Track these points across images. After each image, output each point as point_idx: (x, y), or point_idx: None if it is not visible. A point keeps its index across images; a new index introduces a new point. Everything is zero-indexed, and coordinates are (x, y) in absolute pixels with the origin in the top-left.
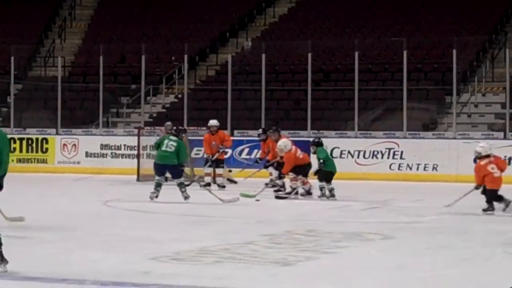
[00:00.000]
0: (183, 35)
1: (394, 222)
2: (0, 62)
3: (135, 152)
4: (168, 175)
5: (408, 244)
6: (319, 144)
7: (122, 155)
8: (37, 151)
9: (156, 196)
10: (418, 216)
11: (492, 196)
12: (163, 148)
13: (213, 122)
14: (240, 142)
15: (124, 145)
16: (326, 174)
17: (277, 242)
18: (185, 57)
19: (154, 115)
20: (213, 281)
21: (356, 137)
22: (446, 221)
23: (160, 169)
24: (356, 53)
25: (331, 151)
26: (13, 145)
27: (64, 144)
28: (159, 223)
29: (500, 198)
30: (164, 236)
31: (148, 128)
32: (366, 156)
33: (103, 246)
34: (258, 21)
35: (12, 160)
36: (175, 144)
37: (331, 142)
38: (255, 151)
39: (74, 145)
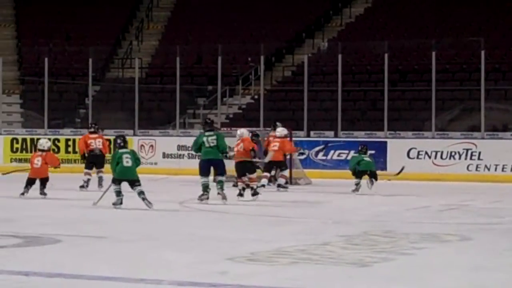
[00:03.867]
0: (259, 36)
1: (472, 223)
2: (78, 64)
3: None
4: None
5: (486, 246)
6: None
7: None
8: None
9: (207, 198)
10: (496, 217)
11: None
12: (206, 145)
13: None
14: (317, 143)
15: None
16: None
17: (354, 243)
18: (262, 58)
19: (231, 116)
20: (289, 282)
21: (433, 137)
22: None
23: (205, 165)
24: (433, 53)
25: (408, 151)
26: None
27: (142, 145)
28: (235, 223)
29: None
30: (240, 236)
31: (225, 129)
32: (444, 157)
33: (179, 246)
34: (334, 22)
35: None
36: (214, 137)
37: (408, 142)
38: (331, 152)
39: (152, 146)
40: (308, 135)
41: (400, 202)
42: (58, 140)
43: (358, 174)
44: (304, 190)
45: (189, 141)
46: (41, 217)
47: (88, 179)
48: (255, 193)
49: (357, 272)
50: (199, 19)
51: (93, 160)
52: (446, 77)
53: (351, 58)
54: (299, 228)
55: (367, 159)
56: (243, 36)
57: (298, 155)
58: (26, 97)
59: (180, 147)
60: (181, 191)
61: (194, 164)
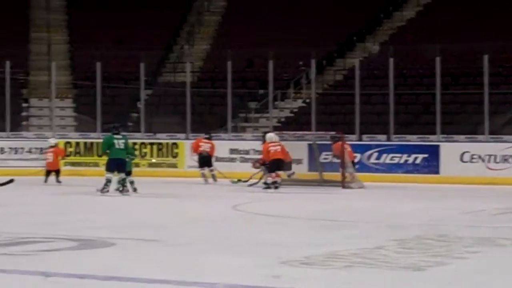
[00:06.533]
0: (310, 39)
1: None
2: (130, 68)
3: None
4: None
5: None
6: None
7: (251, 160)
8: (167, 156)
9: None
10: None
11: None
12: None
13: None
14: (369, 147)
15: (253, 149)
16: None
17: (408, 247)
18: (313, 61)
19: (282, 119)
20: (344, 286)
21: (487, 141)
22: None
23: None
24: (486, 56)
25: (461, 155)
26: (143, 150)
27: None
28: (288, 227)
29: None
30: (294, 240)
31: (277, 132)
32: (497, 160)
33: (232, 249)
34: (385, 25)
35: (143, 165)
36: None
37: (461, 146)
38: (384, 155)
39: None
40: (360, 139)
41: (454, 206)
42: None
43: None
44: (357, 194)
45: (241, 145)
46: (95, 220)
47: (203, 173)
48: (268, 187)
49: (411, 276)
50: (250, 23)
51: (203, 161)
52: (499, 81)
53: (402, 61)
54: (352, 232)
55: None
56: (294, 40)
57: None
58: (79, 101)
59: (232, 151)
60: (233, 195)
61: (247, 167)
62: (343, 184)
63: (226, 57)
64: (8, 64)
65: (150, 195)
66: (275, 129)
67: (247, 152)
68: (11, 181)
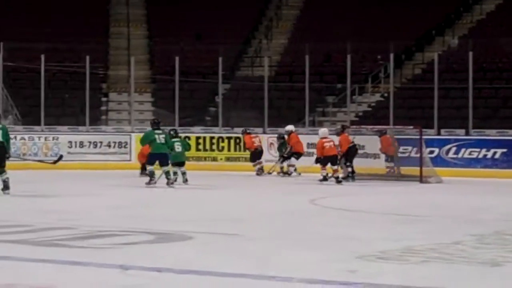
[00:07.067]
0: (388, 33)
1: None
2: (209, 62)
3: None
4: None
5: None
6: None
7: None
8: (244, 150)
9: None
10: None
11: None
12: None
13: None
14: (447, 141)
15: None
16: None
17: (486, 242)
18: (391, 55)
19: (360, 114)
20: (420, 281)
21: None
22: None
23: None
24: None
25: None
26: (221, 144)
27: (271, 143)
28: (364, 221)
29: None
30: (370, 235)
31: (354, 127)
32: None
33: (309, 244)
34: (464, 19)
35: (221, 159)
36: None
37: None
38: (463, 150)
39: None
40: (439, 133)
41: None
42: (189, 138)
43: None
44: (435, 188)
45: (317, 139)
46: (174, 214)
47: (259, 168)
48: (339, 181)
49: (489, 272)
50: (328, 17)
51: (259, 155)
52: None
53: (482, 55)
54: (429, 226)
55: None
56: (372, 34)
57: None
58: (157, 95)
59: (309, 145)
60: (311, 189)
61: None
62: (420, 178)
63: (304, 51)
64: (88, 58)
65: (228, 189)
66: (352, 123)
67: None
68: (61, 157)
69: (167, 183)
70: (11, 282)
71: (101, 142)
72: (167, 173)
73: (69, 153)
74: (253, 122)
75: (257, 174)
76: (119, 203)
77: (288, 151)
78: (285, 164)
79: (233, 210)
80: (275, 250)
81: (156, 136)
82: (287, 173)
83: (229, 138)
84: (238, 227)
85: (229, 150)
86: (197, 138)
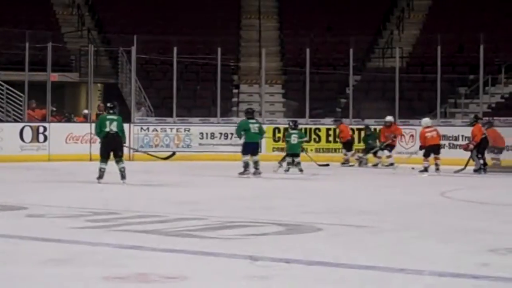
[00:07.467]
0: None
1: None
2: (340, 54)
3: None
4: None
5: None
6: None
7: (459, 146)
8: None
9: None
10: None
11: None
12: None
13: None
14: None
15: (462, 135)
16: None
17: None
18: None
19: (493, 105)
20: None
21: None
22: None
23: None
24: None
25: None
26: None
27: (402, 135)
28: (497, 214)
29: None
30: (503, 228)
31: (486, 118)
32: None
33: (440, 236)
34: None
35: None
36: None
37: None
38: None
39: (412, 135)
40: None
41: None
42: (319, 130)
43: None
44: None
45: (449, 131)
46: (302, 205)
47: (348, 160)
48: (437, 169)
49: None
50: (461, 7)
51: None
52: None
53: None
54: None
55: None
56: (507, 24)
57: None
58: (288, 87)
59: (442, 137)
60: (441, 181)
61: (455, 153)
62: None
63: (436, 42)
64: (219, 50)
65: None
66: (484, 115)
67: (455, 138)
68: (173, 154)
69: (254, 173)
70: (143, 271)
71: (232, 134)
72: (255, 163)
73: (200, 144)
74: (384, 113)
75: (359, 165)
76: (249, 194)
77: (381, 144)
78: (383, 155)
79: (360, 201)
80: (405, 242)
81: (251, 125)
82: (376, 165)
83: (359, 130)
84: (367, 219)
85: (359, 142)
86: (327, 129)
